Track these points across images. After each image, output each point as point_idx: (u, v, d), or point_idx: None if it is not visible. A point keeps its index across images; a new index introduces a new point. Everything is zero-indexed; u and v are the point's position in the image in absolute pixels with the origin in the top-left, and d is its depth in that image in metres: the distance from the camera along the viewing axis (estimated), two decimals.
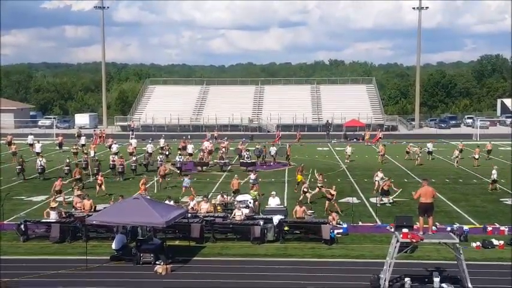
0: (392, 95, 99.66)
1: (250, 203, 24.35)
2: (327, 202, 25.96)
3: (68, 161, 35.98)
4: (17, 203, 28.49)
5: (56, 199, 25.06)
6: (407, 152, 44.48)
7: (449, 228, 21.64)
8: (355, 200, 28.45)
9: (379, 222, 24.08)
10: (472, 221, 24.68)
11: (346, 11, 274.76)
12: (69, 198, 27.93)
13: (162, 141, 48.15)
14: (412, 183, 32.63)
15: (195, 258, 19.59)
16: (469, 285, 15.87)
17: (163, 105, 74.19)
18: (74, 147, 45.61)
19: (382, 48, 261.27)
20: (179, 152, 40.86)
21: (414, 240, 16.39)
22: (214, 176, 36.97)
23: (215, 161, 40.80)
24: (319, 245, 20.85)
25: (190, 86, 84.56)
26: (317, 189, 28.82)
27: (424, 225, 16.73)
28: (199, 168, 38.92)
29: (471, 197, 30.02)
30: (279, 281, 17.28)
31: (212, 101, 76.64)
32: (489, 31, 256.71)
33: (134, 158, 38.09)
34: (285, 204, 26.26)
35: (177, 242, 21.23)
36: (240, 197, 25.37)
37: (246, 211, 22.93)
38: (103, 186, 29.95)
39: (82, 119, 76.98)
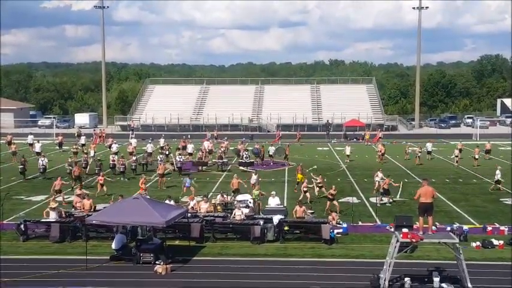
0: (392, 94, 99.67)
1: (250, 202, 24.35)
2: (328, 202, 25.96)
3: (70, 160, 36.02)
4: (16, 203, 28.49)
5: (56, 199, 25.06)
6: (407, 153, 44.47)
7: (449, 228, 21.62)
8: (355, 199, 28.44)
9: (379, 222, 24.09)
10: (471, 220, 24.69)
11: (346, 11, 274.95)
12: (68, 198, 27.93)
13: (162, 141, 48.17)
14: (412, 183, 32.63)
15: (195, 258, 19.59)
16: (469, 285, 15.87)
17: (163, 105, 74.15)
18: (74, 146, 45.60)
19: (382, 48, 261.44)
20: (179, 152, 40.88)
21: (414, 240, 16.39)
22: (214, 175, 36.98)
23: (214, 160, 40.81)
24: (319, 245, 20.86)
25: (190, 85, 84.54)
26: (317, 188, 28.85)
27: (424, 225, 16.72)
28: (199, 167, 38.92)
29: (471, 197, 30.02)
30: (279, 280, 17.28)
31: (212, 101, 76.61)
32: (489, 31, 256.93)
33: (134, 158, 38.09)
34: (285, 204, 26.28)
35: (177, 242, 21.23)
36: (240, 197, 25.37)
37: (246, 211, 22.94)
38: (105, 187, 29.94)
39: (82, 118, 76.94)
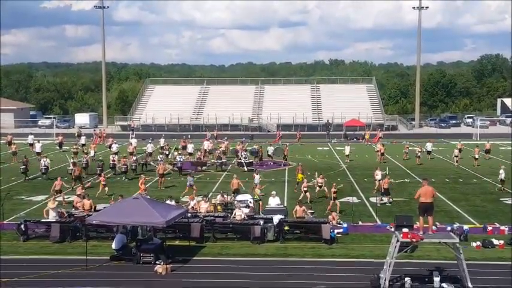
0: (393, 94, 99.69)
1: (250, 202, 24.36)
2: (331, 202, 25.98)
3: (72, 161, 36.06)
4: (17, 203, 28.49)
5: (56, 199, 25.05)
6: (406, 152, 44.47)
7: (449, 228, 21.62)
8: (355, 199, 28.42)
9: (379, 222, 24.09)
10: (472, 220, 24.69)
11: (346, 11, 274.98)
12: (69, 198, 27.93)
13: (162, 141, 48.19)
14: (412, 183, 32.63)
15: (195, 258, 19.59)
16: (469, 284, 15.86)
17: (163, 104, 74.18)
18: (74, 147, 45.62)
19: (382, 48, 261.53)
20: (179, 152, 40.91)
21: (414, 240, 16.38)
22: (214, 175, 36.99)
23: (212, 160, 40.81)
24: (319, 245, 20.85)
25: (190, 85, 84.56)
26: (317, 188, 28.87)
27: (424, 225, 16.72)
28: (199, 167, 38.90)
29: (471, 197, 30.02)
30: (279, 280, 17.27)
31: (212, 101, 76.63)
32: (489, 31, 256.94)
33: (134, 158, 38.09)
34: (285, 204, 26.27)
35: (177, 242, 21.23)
36: (240, 197, 25.37)
37: (246, 211, 22.94)
38: (106, 188, 29.95)
39: (82, 118, 76.97)
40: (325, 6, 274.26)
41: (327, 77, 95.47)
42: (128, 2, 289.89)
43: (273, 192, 25.47)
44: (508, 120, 75.41)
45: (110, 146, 46.03)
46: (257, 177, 29.27)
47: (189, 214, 21.88)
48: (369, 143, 55.64)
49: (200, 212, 23.11)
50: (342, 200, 27.58)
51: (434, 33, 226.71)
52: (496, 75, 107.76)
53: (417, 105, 77.29)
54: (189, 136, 58.77)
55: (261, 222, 21.66)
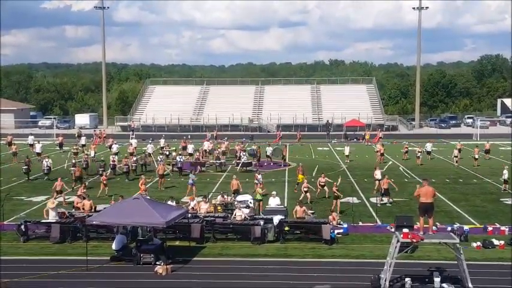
0: (393, 94, 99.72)
1: (250, 203, 24.36)
2: (334, 201, 25.99)
3: (74, 161, 36.09)
4: (17, 204, 28.50)
5: (56, 199, 25.05)
6: (406, 152, 44.46)
7: (449, 228, 21.63)
8: (355, 200, 28.44)
9: (379, 222, 24.07)
10: (472, 221, 24.68)
11: (346, 11, 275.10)
12: (69, 198, 27.92)
13: (162, 142, 48.20)
14: (412, 183, 32.61)
15: (195, 258, 19.59)
16: (470, 285, 15.86)
17: (163, 105, 74.23)
18: (75, 147, 45.63)
19: (382, 48, 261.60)
20: (179, 152, 40.90)
21: (414, 240, 16.38)
22: (215, 176, 36.98)
23: (211, 161, 40.81)
24: (319, 245, 20.85)
25: (191, 86, 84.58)
26: (319, 188, 28.89)
27: (425, 225, 16.72)
28: (197, 168, 38.86)
29: (471, 197, 30.01)
30: (279, 281, 17.27)
31: (212, 101, 76.65)
32: (489, 31, 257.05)
33: (134, 158, 38.09)
34: (285, 204, 26.27)
35: (177, 243, 21.23)
36: (240, 197, 25.38)
37: (246, 211, 22.93)
38: (106, 188, 29.97)
39: (82, 119, 76.98)
40: (325, 6, 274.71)
41: (327, 77, 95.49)
42: (128, 2, 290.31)
43: (273, 193, 25.47)
44: (508, 120, 75.38)
45: (110, 147, 46.05)
46: (259, 177, 29.29)
47: (189, 215, 21.87)
48: (369, 143, 55.64)
49: (200, 213, 23.11)
50: (342, 200, 27.57)
51: (434, 33, 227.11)
52: (496, 75, 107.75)
53: (417, 105, 77.29)
54: (189, 136, 58.77)
55: (261, 222, 21.65)
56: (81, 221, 21.49)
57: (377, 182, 29.93)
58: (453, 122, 76.37)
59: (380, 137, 55.79)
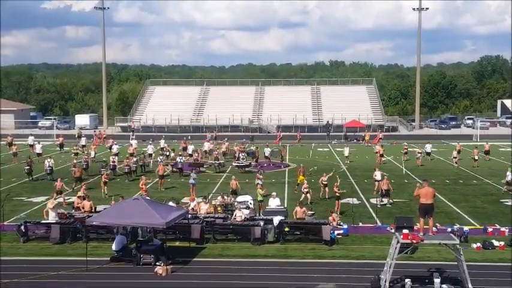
0: (393, 95, 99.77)
1: (250, 203, 24.35)
2: (337, 202, 25.99)
3: (75, 161, 36.09)
4: (17, 204, 28.50)
5: (56, 200, 25.04)
6: (405, 153, 44.45)
7: (449, 229, 21.64)
8: (355, 200, 28.46)
9: (379, 223, 24.07)
10: (472, 222, 24.67)
11: (346, 12, 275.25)
12: (69, 199, 27.92)
13: (162, 142, 48.21)
14: (412, 184, 32.58)
15: (195, 259, 19.59)
16: (470, 286, 15.85)
17: (163, 106, 74.25)
18: (75, 148, 45.65)
19: (382, 49, 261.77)
20: (179, 153, 40.89)
21: (414, 241, 16.37)
22: (215, 176, 36.98)
23: (210, 161, 40.80)
24: (319, 246, 20.85)
25: (191, 86, 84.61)
26: (322, 188, 28.92)
27: (425, 226, 16.72)
28: (196, 168, 38.83)
29: (471, 198, 30.01)
30: (279, 282, 17.27)
31: (212, 102, 76.65)
32: (489, 32, 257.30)
33: (135, 159, 38.10)
34: (285, 205, 26.26)
35: (177, 243, 21.23)
36: (240, 198, 25.38)
37: (246, 212, 22.94)
38: (105, 188, 29.95)
39: (82, 119, 76.98)
40: (325, 7, 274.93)
41: (327, 78, 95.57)
42: (128, 2, 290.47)
43: (273, 193, 25.47)
44: (508, 121, 75.40)
45: (110, 147, 46.06)
46: (261, 177, 29.31)
47: (189, 215, 21.88)
48: (369, 144, 55.64)
49: (200, 213, 23.11)
50: (342, 201, 27.57)
51: (435, 34, 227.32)
52: (496, 76, 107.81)
53: (417, 106, 77.31)
54: (189, 137, 58.77)
55: (261, 223, 21.66)
56: (81, 221, 21.50)
57: (376, 183, 29.94)
58: (453, 123, 76.41)
59: (380, 138, 55.80)
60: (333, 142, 59.80)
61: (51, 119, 77.20)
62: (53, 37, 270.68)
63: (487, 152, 44.82)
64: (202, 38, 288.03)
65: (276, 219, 21.76)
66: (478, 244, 20.74)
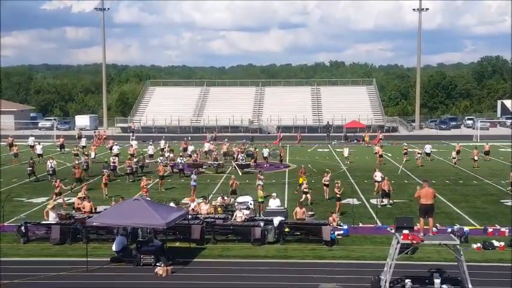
0: (393, 96, 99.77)
1: (250, 204, 24.35)
2: (337, 203, 25.99)
3: (77, 162, 36.07)
4: (17, 205, 28.49)
5: (56, 200, 25.05)
6: (405, 153, 44.43)
7: (449, 230, 21.65)
8: (355, 201, 28.46)
9: (379, 224, 24.07)
10: (472, 222, 24.67)
11: (347, 12, 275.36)
12: (69, 200, 27.93)
13: (162, 143, 48.21)
14: (412, 184, 32.58)
15: (195, 259, 19.60)
16: (470, 286, 15.86)
17: (163, 106, 74.26)
18: (75, 148, 45.65)
19: (382, 49, 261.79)
20: (180, 154, 40.88)
21: (415, 242, 16.38)
22: (214, 177, 36.98)
23: (209, 162, 40.80)
24: (319, 247, 20.85)
25: (191, 87, 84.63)
26: (324, 186, 28.94)
27: (425, 227, 16.72)
28: (196, 169, 38.78)
29: (471, 198, 30.01)
30: (279, 282, 17.27)
31: (212, 103, 76.68)
32: (489, 32, 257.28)
33: (135, 160, 38.10)
34: (285, 206, 26.25)
35: (177, 244, 21.24)
36: (240, 199, 25.38)
37: (246, 212, 22.94)
38: (106, 189, 29.96)
39: (82, 120, 76.99)
40: (325, 7, 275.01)
41: (328, 78, 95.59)
42: (128, 2, 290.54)
43: (274, 194, 25.48)
44: (508, 121, 75.44)
45: (110, 148, 46.06)
46: (262, 179, 29.33)
47: (190, 216, 21.88)
48: (369, 145, 55.63)
49: (200, 214, 23.12)
50: (343, 201, 27.57)
51: (435, 34, 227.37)
52: (496, 76, 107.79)
53: (417, 106, 77.33)
54: (190, 138, 58.75)
55: (262, 224, 21.67)
56: (81, 222, 21.50)
57: (376, 183, 29.95)
58: (453, 123, 76.43)
59: (380, 139, 55.79)
60: (333, 143, 59.80)
61: (51, 119, 77.15)
62: (53, 38, 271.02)
63: (487, 153, 44.83)
64: (202, 39, 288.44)
65: (276, 220, 21.77)
66: (478, 244, 20.75)
